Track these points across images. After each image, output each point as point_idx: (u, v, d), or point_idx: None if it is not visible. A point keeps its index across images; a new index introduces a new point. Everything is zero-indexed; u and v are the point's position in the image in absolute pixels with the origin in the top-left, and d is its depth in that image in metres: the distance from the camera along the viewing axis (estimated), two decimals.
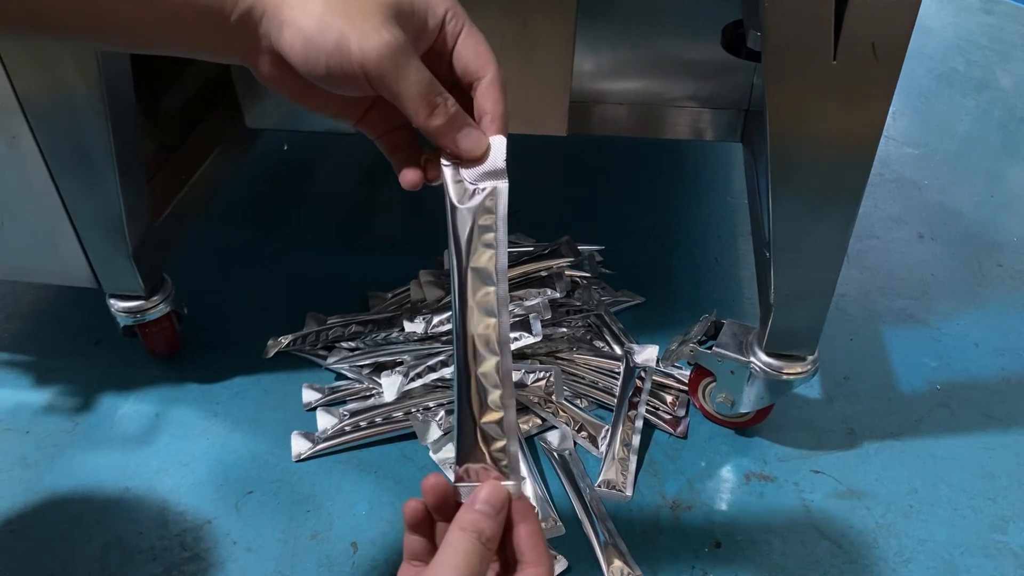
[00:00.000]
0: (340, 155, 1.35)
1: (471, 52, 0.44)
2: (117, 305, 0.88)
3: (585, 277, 1.01)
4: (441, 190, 0.47)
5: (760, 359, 0.79)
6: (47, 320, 1.04)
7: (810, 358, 0.78)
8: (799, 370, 0.78)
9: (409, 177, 0.48)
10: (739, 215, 1.18)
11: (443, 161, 0.47)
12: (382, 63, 0.40)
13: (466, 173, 0.46)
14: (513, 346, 0.88)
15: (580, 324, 0.95)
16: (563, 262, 1.00)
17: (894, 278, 1.07)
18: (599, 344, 0.95)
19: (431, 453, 0.85)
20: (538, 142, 1.25)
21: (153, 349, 0.94)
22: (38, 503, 0.82)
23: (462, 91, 0.46)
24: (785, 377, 0.79)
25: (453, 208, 0.46)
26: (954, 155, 1.35)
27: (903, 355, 0.96)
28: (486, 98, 0.45)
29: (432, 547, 0.46)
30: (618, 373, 0.90)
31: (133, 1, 0.41)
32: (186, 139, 1.01)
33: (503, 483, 0.45)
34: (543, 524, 0.78)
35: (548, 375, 0.86)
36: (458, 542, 0.42)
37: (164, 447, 0.87)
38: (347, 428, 0.86)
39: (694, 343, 0.83)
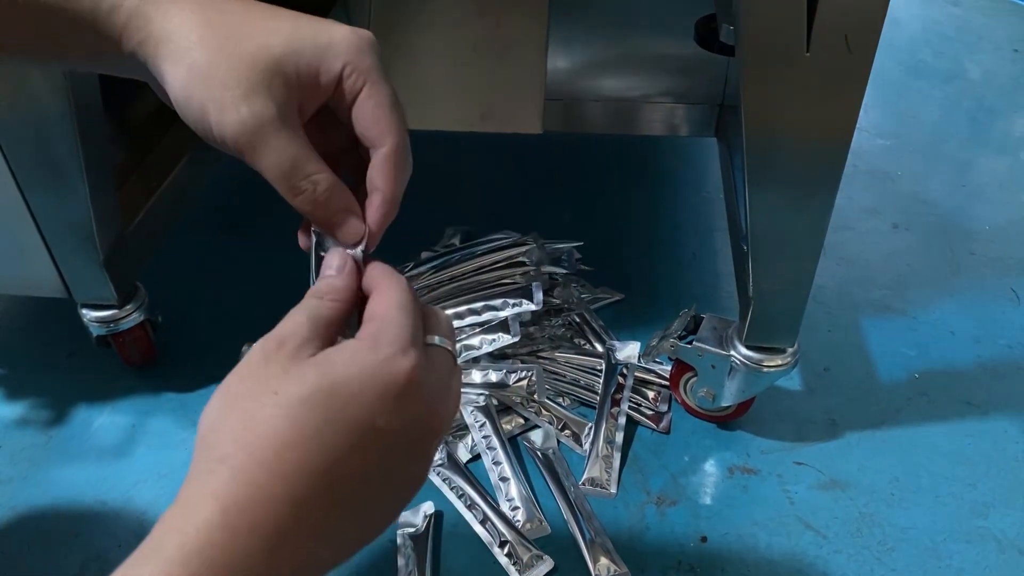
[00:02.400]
0: None
1: (369, 116, 0.39)
2: (89, 315, 0.86)
3: (564, 274, 1.01)
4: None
5: (740, 352, 0.79)
6: (17, 332, 1.02)
7: (790, 350, 0.79)
8: (779, 362, 0.79)
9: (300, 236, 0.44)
10: (715, 210, 1.18)
11: (314, 228, 0.42)
12: (239, 140, 0.37)
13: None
14: (491, 347, 0.87)
15: (560, 323, 0.95)
16: (523, 250, 0.99)
17: (870, 268, 1.08)
18: (580, 342, 0.95)
19: None
20: (512, 141, 1.25)
21: (128, 359, 0.93)
22: (13, 519, 0.80)
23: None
24: (766, 370, 0.79)
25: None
26: (925, 145, 1.36)
27: (881, 345, 0.97)
28: (378, 174, 0.40)
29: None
30: (600, 370, 0.90)
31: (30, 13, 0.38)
32: (156, 145, 1.00)
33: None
34: (528, 524, 0.77)
35: (530, 374, 0.86)
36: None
37: (141, 458, 0.86)
38: None
39: (674, 338, 0.82)
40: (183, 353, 0.97)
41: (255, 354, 0.35)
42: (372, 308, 0.38)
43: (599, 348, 0.94)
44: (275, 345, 0.35)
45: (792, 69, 0.60)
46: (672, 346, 0.82)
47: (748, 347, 0.79)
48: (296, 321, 0.37)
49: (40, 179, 0.75)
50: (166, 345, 0.96)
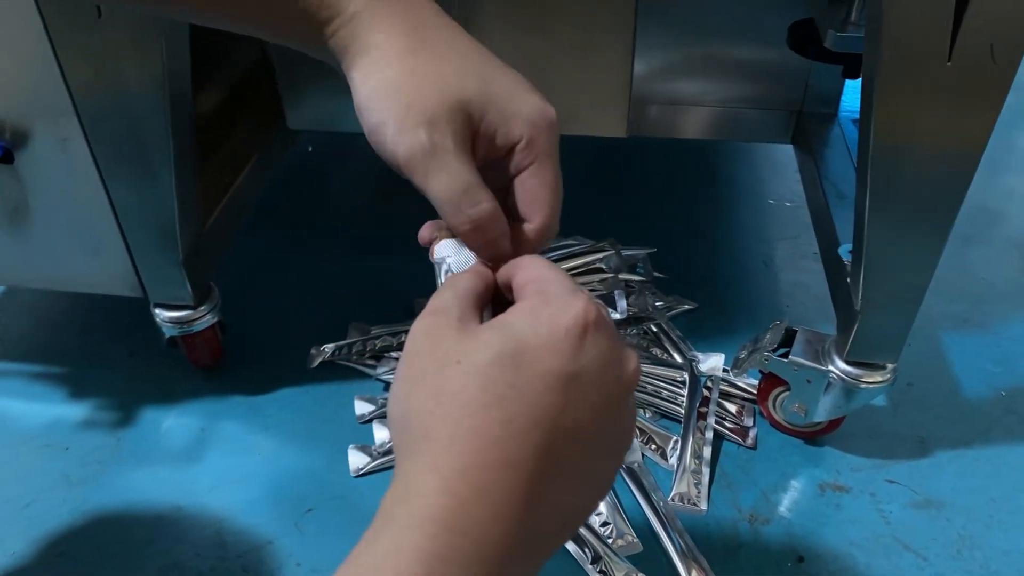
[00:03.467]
0: (372, 157, 1.31)
1: (530, 193, 0.41)
2: (163, 315, 0.84)
3: (639, 281, 0.99)
4: None
5: (839, 367, 0.77)
6: (77, 331, 1.00)
7: (890, 366, 0.77)
8: (879, 379, 0.77)
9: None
10: (781, 218, 1.16)
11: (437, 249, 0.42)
12: (411, 162, 0.38)
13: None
14: None
15: (637, 332, 0.93)
16: (601, 256, 0.97)
17: (947, 281, 1.05)
18: (657, 352, 0.93)
19: None
20: (576, 143, 1.23)
21: (196, 360, 0.90)
22: (86, 524, 0.78)
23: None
24: (864, 386, 0.77)
25: None
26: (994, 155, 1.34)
27: (964, 360, 0.95)
28: (523, 244, 0.41)
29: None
30: (681, 382, 0.88)
31: None
32: (224, 142, 0.97)
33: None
34: (620, 541, 0.75)
35: None
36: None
37: (214, 463, 0.83)
38: None
39: (768, 352, 0.80)
40: (248, 355, 0.95)
41: (416, 335, 0.35)
42: (523, 277, 0.37)
43: (678, 358, 0.92)
44: (433, 322, 0.35)
45: (931, 78, 0.58)
46: (765, 359, 0.80)
47: (848, 362, 0.76)
48: (442, 297, 0.37)
49: (127, 173, 0.73)
50: (231, 346, 0.93)
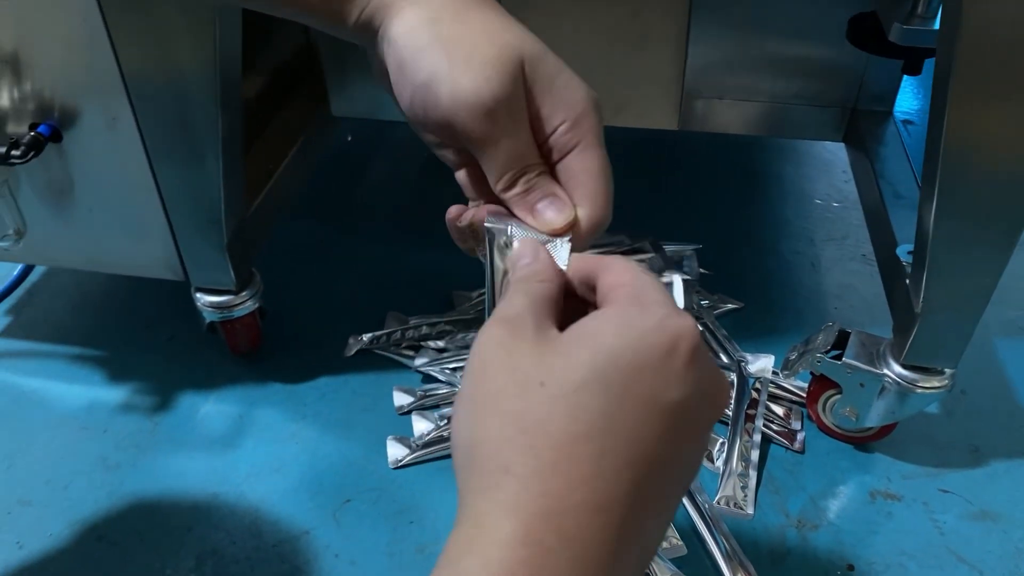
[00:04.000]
0: (413, 147, 1.30)
1: (575, 179, 0.37)
2: (204, 300, 0.83)
3: (685, 279, 0.97)
4: None
5: (895, 371, 0.74)
6: (116, 314, 0.99)
7: (948, 372, 0.74)
8: (936, 384, 0.74)
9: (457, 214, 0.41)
10: (831, 218, 1.13)
11: (487, 225, 0.38)
12: (474, 116, 0.34)
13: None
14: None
15: None
16: (643, 258, 0.95)
17: (1001, 288, 1.02)
18: None
19: None
20: (619, 136, 1.21)
21: (235, 347, 0.90)
22: (124, 508, 0.78)
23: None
24: (920, 391, 0.74)
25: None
26: None
27: (1019, 368, 0.92)
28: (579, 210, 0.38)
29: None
30: (728, 383, 0.86)
31: None
32: (268, 127, 0.96)
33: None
34: (664, 544, 0.73)
35: None
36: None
37: (252, 451, 0.83)
38: (445, 434, 0.82)
39: (820, 353, 0.78)
40: (287, 342, 0.94)
41: (486, 348, 0.31)
42: (613, 279, 0.33)
43: (723, 359, 0.89)
44: (507, 332, 0.31)
45: (1015, 74, 0.55)
46: (818, 361, 0.78)
47: (905, 366, 0.74)
48: (514, 304, 0.32)
49: (174, 156, 0.72)
50: (270, 333, 0.92)
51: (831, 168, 1.22)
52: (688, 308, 0.93)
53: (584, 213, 0.38)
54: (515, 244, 0.38)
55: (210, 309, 0.83)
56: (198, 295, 0.83)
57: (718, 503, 0.77)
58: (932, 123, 0.62)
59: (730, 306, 0.98)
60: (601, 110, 0.38)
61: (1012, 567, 0.73)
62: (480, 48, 0.35)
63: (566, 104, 0.36)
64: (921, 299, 0.69)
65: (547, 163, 0.38)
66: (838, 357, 0.77)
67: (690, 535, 0.74)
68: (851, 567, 0.73)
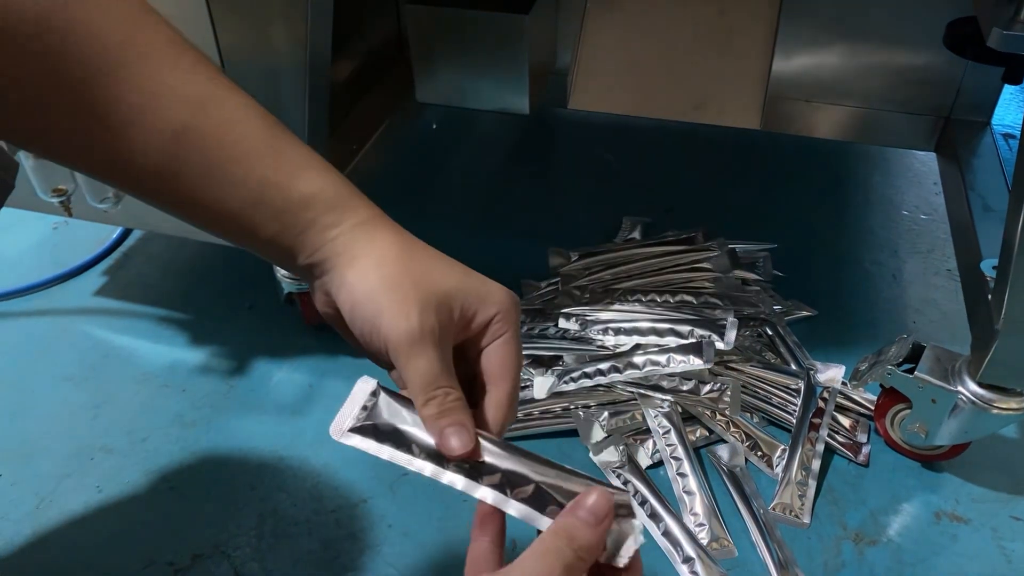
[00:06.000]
0: (493, 138, 1.32)
1: (496, 361, 0.46)
2: (283, 271, 0.86)
3: (756, 280, 0.95)
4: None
5: (969, 389, 0.72)
6: (202, 280, 1.04)
7: None
8: (1015, 406, 0.71)
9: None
10: (917, 231, 1.09)
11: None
12: (399, 346, 0.42)
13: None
14: (679, 368, 0.81)
15: (752, 334, 0.90)
16: (707, 256, 0.94)
17: None
18: (771, 357, 0.89)
19: (591, 455, 0.81)
20: (698, 134, 1.20)
21: (309, 318, 0.93)
22: (195, 463, 0.82)
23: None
24: (995, 411, 0.71)
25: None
26: None
27: None
28: (494, 407, 0.45)
29: (498, 556, 0.43)
30: (793, 390, 0.84)
31: (221, 207, 0.43)
32: (354, 109, 0.99)
33: (611, 491, 0.40)
34: (714, 544, 0.73)
35: (724, 388, 0.81)
36: (547, 546, 0.38)
37: (318, 419, 0.86)
38: None
39: (892, 366, 0.76)
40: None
41: None
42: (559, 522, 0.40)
43: (792, 365, 0.88)
44: None
45: None
46: (888, 373, 0.76)
47: (981, 384, 0.71)
48: None
49: None
50: None
51: (922, 179, 1.18)
52: (760, 312, 0.91)
53: (504, 388, 0.46)
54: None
55: (288, 280, 0.87)
56: (277, 266, 0.87)
57: (773, 509, 0.76)
58: None
59: (804, 313, 0.96)
60: (520, 309, 0.48)
61: None
62: (415, 294, 0.43)
63: (496, 302, 0.45)
64: (1002, 315, 0.66)
65: (478, 348, 0.46)
66: (910, 371, 0.75)
67: (742, 539, 0.74)
68: None
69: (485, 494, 0.43)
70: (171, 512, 0.77)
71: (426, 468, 0.44)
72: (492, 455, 0.43)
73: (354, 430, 0.46)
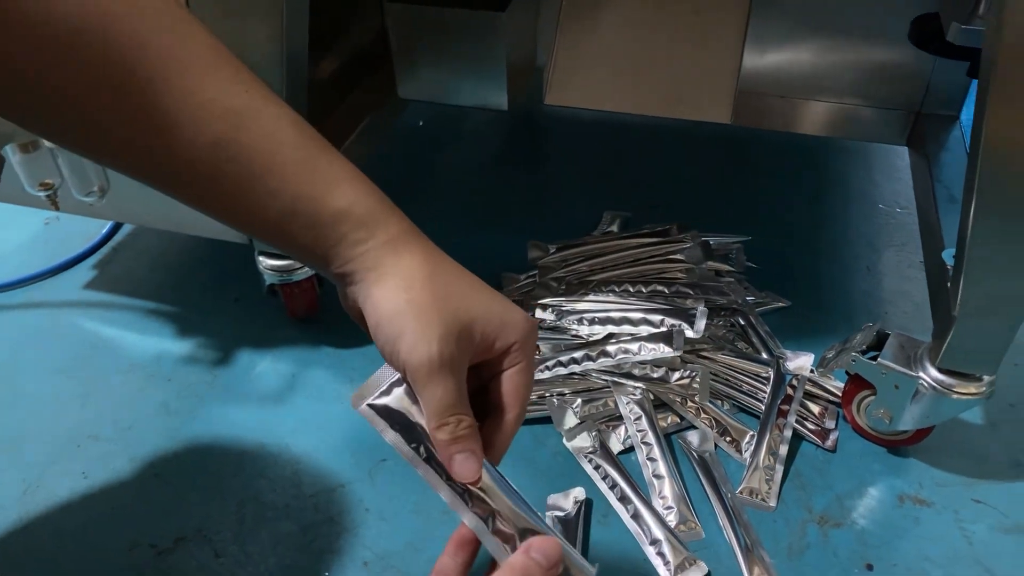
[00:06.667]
0: (477, 136, 1.34)
1: (511, 387, 0.48)
2: (266, 263, 0.88)
3: (729, 271, 0.97)
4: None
5: (930, 375, 0.74)
6: (189, 274, 1.07)
7: (987, 379, 0.73)
8: (973, 390, 0.73)
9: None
10: (893, 225, 1.11)
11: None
12: (417, 372, 0.44)
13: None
14: (650, 356, 0.83)
15: (724, 323, 0.91)
16: (680, 247, 0.96)
17: None
18: (743, 346, 0.91)
19: (564, 440, 0.83)
20: (680, 129, 1.22)
21: (292, 310, 0.95)
22: (179, 450, 0.84)
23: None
24: (956, 396, 0.73)
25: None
26: None
27: None
28: (495, 434, 0.48)
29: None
30: (763, 378, 0.86)
31: (257, 212, 0.45)
32: (337, 107, 1.02)
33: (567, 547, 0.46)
34: (682, 527, 0.75)
35: (694, 375, 0.83)
36: (510, 573, 0.43)
37: (300, 408, 0.88)
38: None
39: (856, 352, 0.78)
40: (340, 310, 0.97)
41: None
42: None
43: (763, 355, 0.90)
44: None
45: None
46: (853, 360, 0.78)
47: (941, 370, 0.73)
48: None
49: None
50: (325, 301, 0.98)
51: (898, 173, 1.19)
52: (732, 302, 0.93)
53: (514, 412, 0.48)
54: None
55: (270, 272, 0.89)
56: (260, 258, 0.89)
57: (741, 493, 0.78)
58: (975, 121, 0.61)
59: (777, 304, 0.98)
60: (537, 334, 0.50)
61: None
62: (438, 320, 0.44)
63: (517, 330, 0.47)
64: (958, 302, 0.68)
65: (493, 371, 0.48)
66: (874, 358, 0.77)
67: (710, 522, 0.76)
68: (870, 566, 0.72)
69: (469, 520, 0.46)
70: (155, 497, 0.79)
71: (426, 473, 0.47)
72: (486, 485, 0.47)
73: (372, 406, 0.48)
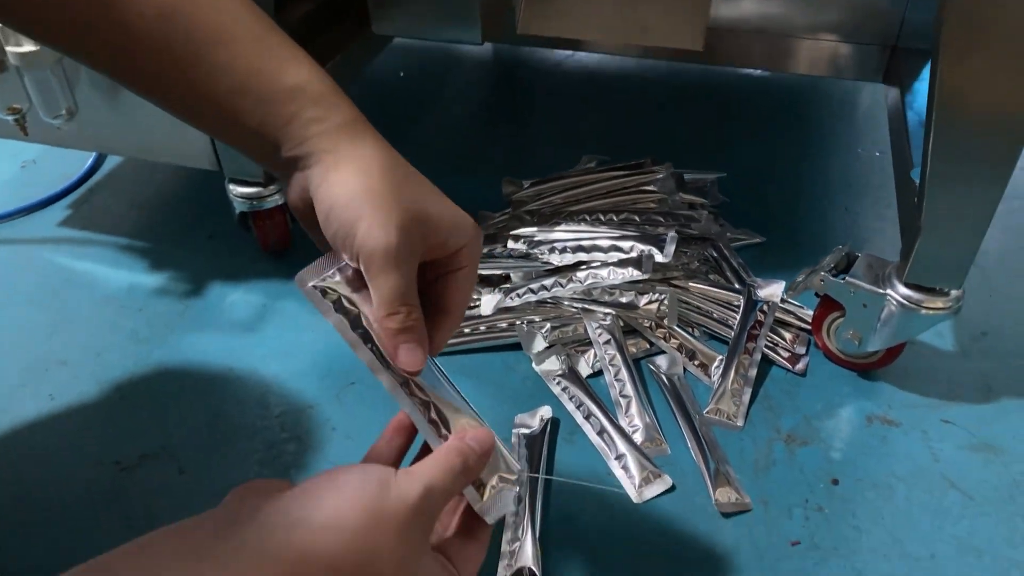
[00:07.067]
0: (450, 79, 1.34)
1: (454, 289, 0.48)
2: (236, 190, 0.88)
3: (703, 204, 0.96)
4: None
5: (898, 291, 0.73)
6: (164, 212, 1.06)
7: (954, 293, 0.72)
8: (940, 305, 0.73)
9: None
10: (871, 166, 1.11)
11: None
12: (371, 258, 0.43)
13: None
14: (619, 280, 0.83)
15: (696, 254, 0.91)
16: (652, 178, 0.95)
17: None
18: (715, 278, 0.90)
19: (534, 364, 0.82)
20: (660, 73, 1.21)
21: (265, 242, 0.95)
22: (147, 374, 0.83)
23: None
24: (924, 312, 0.73)
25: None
26: None
27: None
28: (435, 332, 0.48)
29: (396, 459, 0.51)
30: (735, 306, 0.86)
31: (201, 95, 0.45)
32: (311, 44, 1.01)
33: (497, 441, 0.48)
34: (647, 444, 0.74)
35: (662, 298, 0.83)
36: (442, 455, 0.44)
37: (269, 336, 0.87)
38: None
39: (825, 272, 0.77)
40: (313, 245, 0.98)
41: None
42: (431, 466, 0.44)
43: (737, 286, 0.89)
44: None
45: (997, 24, 0.54)
46: (821, 280, 0.77)
47: (908, 285, 0.73)
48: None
49: None
50: (298, 235, 0.97)
51: (878, 117, 1.19)
52: (705, 233, 0.93)
53: (455, 313, 0.49)
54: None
55: (240, 199, 0.88)
56: (231, 186, 0.88)
57: (708, 414, 0.77)
58: (933, 43, 0.61)
59: (753, 240, 0.97)
60: (482, 240, 0.50)
61: (1007, 496, 0.71)
62: (391, 205, 0.44)
63: (467, 234, 0.47)
64: (923, 212, 0.68)
65: (437, 272, 0.48)
66: (844, 279, 0.76)
67: (677, 441, 0.75)
68: (836, 481, 0.72)
69: (407, 407, 0.47)
70: (121, 419, 0.79)
71: (365, 357, 0.47)
72: (426, 375, 0.47)
73: (318, 287, 0.48)
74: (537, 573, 0.63)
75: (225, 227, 1.01)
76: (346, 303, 0.47)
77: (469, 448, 0.46)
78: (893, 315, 0.74)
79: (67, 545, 0.68)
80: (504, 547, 0.66)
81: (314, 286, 0.48)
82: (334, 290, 0.48)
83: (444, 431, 0.47)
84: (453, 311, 0.49)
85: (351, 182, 0.44)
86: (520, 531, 0.66)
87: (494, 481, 0.47)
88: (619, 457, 0.73)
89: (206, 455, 0.75)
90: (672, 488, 0.71)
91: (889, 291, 0.74)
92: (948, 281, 0.71)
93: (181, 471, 0.74)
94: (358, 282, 0.47)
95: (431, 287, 0.49)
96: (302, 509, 0.40)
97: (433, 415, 0.47)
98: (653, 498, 0.70)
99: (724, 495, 0.70)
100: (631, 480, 0.71)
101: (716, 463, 0.72)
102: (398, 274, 0.44)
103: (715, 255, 0.92)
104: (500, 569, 0.64)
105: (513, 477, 0.48)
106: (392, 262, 0.43)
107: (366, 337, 0.47)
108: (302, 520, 0.39)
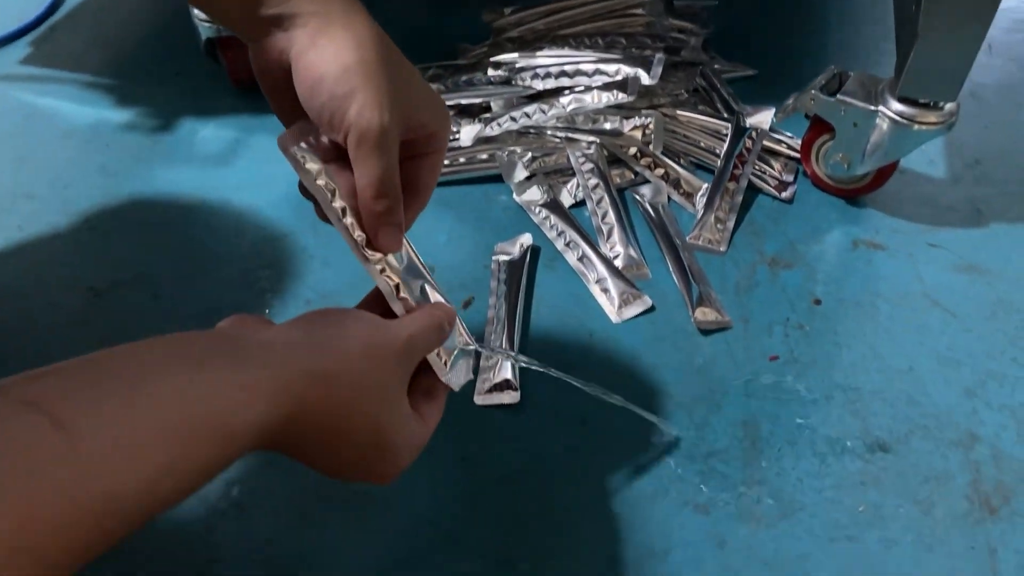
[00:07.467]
0: None
1: (424, 171, 0.47)
2: (201, 14, 0.83)
3: (694, 30, 0.92)
4: None
5: (891, 107, 0.71)
6: (128, 49, 1.02)
7: (948, 108, 0.70)
8: (933, 120, 0.70)
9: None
10: (865, 10, 1.06)
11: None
12: (364, 137, 0.41)
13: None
14: (603, 104, 0.80)
15: (684, 82, 0.87)
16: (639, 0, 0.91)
17: None
18: (703, 109, 0.87)
19: (514, 195, 0.80)
20: None
21: (234, 75, 0.91)
22: (118, 206, 0.81)
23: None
24: (917, 127, 0.70)
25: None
26: None
27: None
28: (406, 211, 0.47)
29: None
30: (723, 135, 0.83)
31: None
32: None
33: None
34: (631, 269, 0.73)
35: (647, 122, 0.80)
36: (425, 314, 0.46)
37: (242, 168, 0.85)
38: None
39: (816, 91, 0.74)
40: None
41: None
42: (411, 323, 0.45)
43: (725, 115, 0.86)
44: None
45: None
46: (812, 99, 0.74)
47: (900, 100, 0.70)
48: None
49: None
50: None
51: None
52: (695, 59, 0.89)
53: (423, 196, 0.48)
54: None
55: (207, 25, 0.84)
56: (195, 11, 0.84)
57: (691, 240, 0.76)
58: None
59: (745, 73, 0.94)
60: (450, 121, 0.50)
61: (989, 314, 0.70)
62: (385, 85, 0.41)
63: (441, 119, 0.47)
64: (920, 19, 0.64)
65: (409, 153, 0.46)
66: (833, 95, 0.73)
67: (659, 266, 0.74)
68: (818, 301, 0.71)
69: (381, 284, 0.47)
70: (92, 248, 0.77)
71: (339, 227, 0.46)
72: (400, 255, 0.47)
73: (301, 151, 0.44)
74: (515, 385, 0.63)
75: (193, 64, 0.97)
76: (325, 175, 0.45)
77: (443, 312, 0.47)
78: (884, 133, 0.72)
79: None
80: (483, 362, 0.65)
81: (299, 148, 0.45)
82: (316, 161, 0.45)
83: (412, 304, 0.48)
84: (423, 192, 0.48)
85: (343, 52, 0.41)
86: (500, 345, 0.65)
87: (456, 351, 0.49)
88: (599, 280, 0.72)
89: (180, 281, 0.74)
90: (652, 308, 0.70)
91: (881, 107, 0.71)
92: (943, 93, 0.69)
93: (155, 296, 0.73)
94: (333, 153, 0.45)
95: (402, 166, 0.46)
96: (311, 324, 0.41)
97: (405, 293, 0.47)
98: (632, 318, 0.70)
99: (704, 314, 0.69)
100: (611, 301, 0.70)
101: (697, 285, 0.71)
102: (389, 155, 0.42)
103: (704, 84, 0.89)
104: (478, 383, 0.64)
105: (471, 348, 0.50)
106: (383, 144, 0.42)
107: (342, 213, 0.45)
108: (314, 336, 0.40)
